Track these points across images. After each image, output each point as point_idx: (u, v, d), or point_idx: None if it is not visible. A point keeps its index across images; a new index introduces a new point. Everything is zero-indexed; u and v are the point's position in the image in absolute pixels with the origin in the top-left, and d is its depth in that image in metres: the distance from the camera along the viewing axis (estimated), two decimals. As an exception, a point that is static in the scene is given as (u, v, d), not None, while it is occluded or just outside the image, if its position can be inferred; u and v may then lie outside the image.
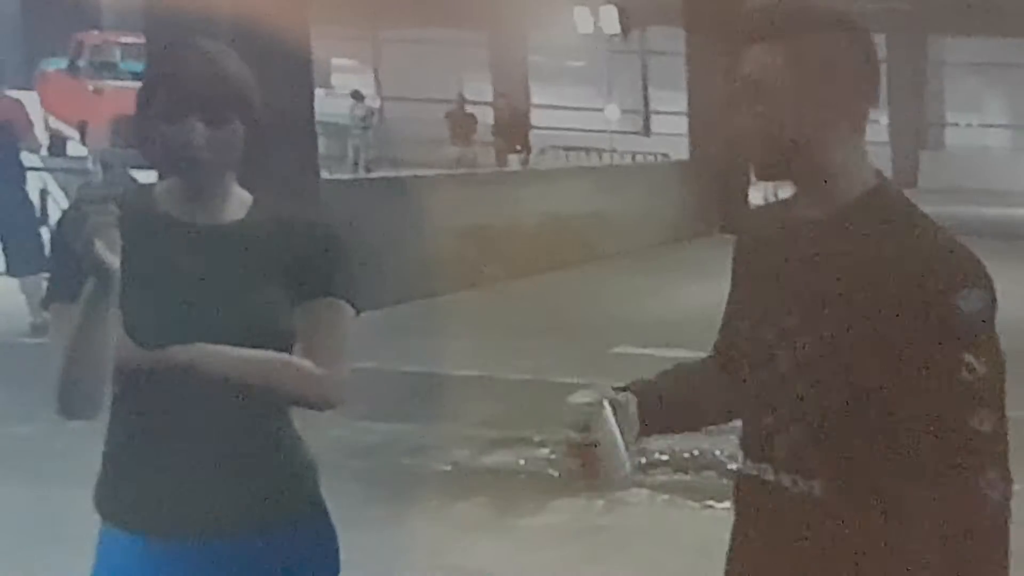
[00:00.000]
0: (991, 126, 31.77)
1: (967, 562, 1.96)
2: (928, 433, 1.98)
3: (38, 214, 10.85)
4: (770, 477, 2.10)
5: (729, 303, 2.25)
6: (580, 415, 2.15)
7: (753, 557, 2.17)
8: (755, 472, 2.13)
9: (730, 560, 2.24)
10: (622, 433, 2.18)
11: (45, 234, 9.19)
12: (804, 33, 2.02)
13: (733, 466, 7.14)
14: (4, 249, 9.65)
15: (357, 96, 24.18)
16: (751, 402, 2.13)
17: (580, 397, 2.17)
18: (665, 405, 2.28)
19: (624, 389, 2.24)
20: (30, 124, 9.85)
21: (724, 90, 2.28)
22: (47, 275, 2.45)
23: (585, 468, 2.18)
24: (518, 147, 23.85)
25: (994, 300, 1.99)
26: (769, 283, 2.12)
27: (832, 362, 2.01)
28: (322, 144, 12.52)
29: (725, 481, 6.47)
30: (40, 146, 10.42)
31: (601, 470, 2.17)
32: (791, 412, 2.06)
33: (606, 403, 2.16)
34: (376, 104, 26.96)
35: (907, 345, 1.96)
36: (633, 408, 2.22)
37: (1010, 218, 19.05)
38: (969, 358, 1.95)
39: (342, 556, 2.53)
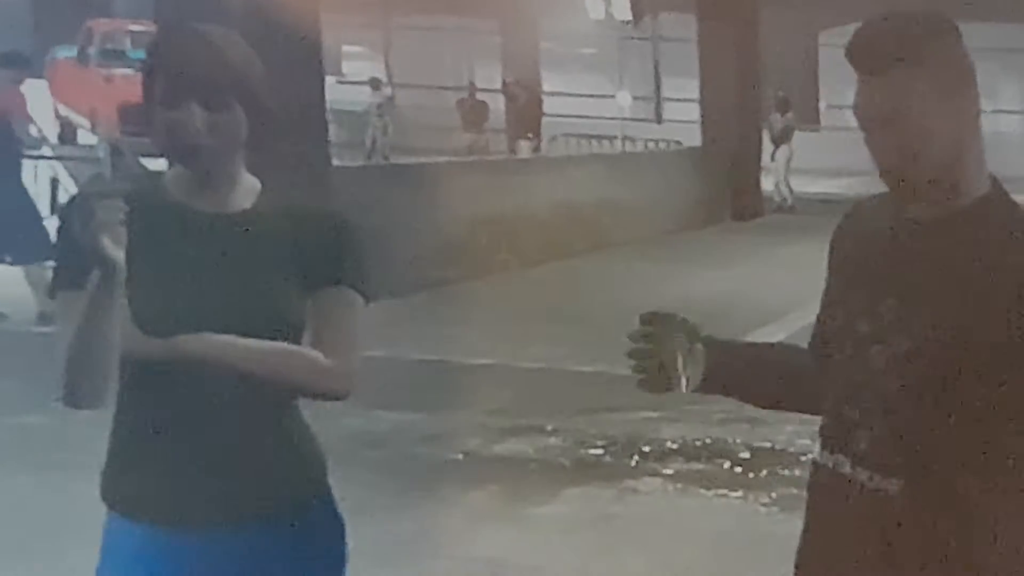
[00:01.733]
0: (1005, 112, 31.67)
1: None
2: (1014, 442, 1.97)
3: (48, 202, 10.86)
4: (846, 470, 2.09)
5: (825, 294, 2.23)
6: (651, 322, 2.20)
7: (823, 548, 2.16)
8: (831, 464, 2.12)
9: (801, 548, 2.22)
10: (686, 353, 2.20)
11: (54, 223, 9.17)
12: (938, 48, 2.00)
13: (745, 455, 7.12)
14: (3, 240, 9.64)
15: (374, 84, 24.16)
16: (837, 394, 2.12)
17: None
18: (737, 368, 2.27)
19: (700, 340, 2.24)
20: (28, 116, 9.85)
21: (861, 119, 2.21)
22: (52, 264, 2.43)
23: (640, 373, 2.20)
24: (529, 135, 23.81)
25: None
26: (870, 278, 2.10)
27: (927, 361, 2.00)
28: (335, 131, 12.52)
29: (737, 470, 6.46)
30: (38, 139, 10.41)
31: (656, 377, 2.19)
32: (878, 407, 2.05)
33: (678, 316, 2.21)
34: (388, 91, 26.96)
35: (1006, 351, 1.96)
36: (700, 354, 2.22)
37: (1024, 204, 20.13)
38: None
39: (353, 545, 2.52)
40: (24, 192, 9.75)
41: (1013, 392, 1.97)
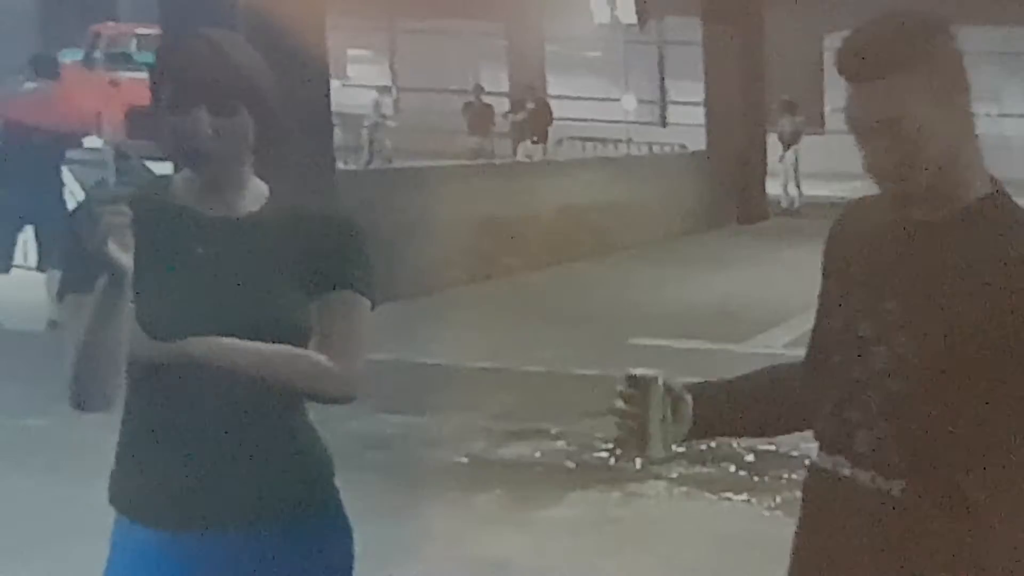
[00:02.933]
0: (1009, 116, 31.59)
1: None
2: (1017, 442, 1.97)
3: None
4: (846, 472, 2.08)
5: (821, 298, 2.22)
6: (633, 385, 2.21)
7: (820, 552, 2.15)
8: (829, 466, 2.12)
9: (795, 551, 2.22)
10: (668, 417, 2.22)
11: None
12: (929, 51, 1.99)
13: (750, 458, 7.10)
14: (39, 243, 9.64)
15: (381, 90, 24.10)
16: (837, 395, 2.11)
17: (640, 371, 2.22)
18: (725, 412, 2.28)
19: (687, 387, 2.26)
20: (62, 122, 9.81)
21: (855, 127, 2.20)
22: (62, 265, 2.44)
23: (621, 438, 2.23)
24: (535, 138, 23.79)
25: None
26: (870, 279, 2.09)
27: (930, 362, 2.00)
28: (340, 135, 12.51)
29: (742, 473, 6.45)
30: (72, 143, 10.38)
31: (636, 443, 2.22)
32: (881, 408, 2.04)
33: (660, 381, 2.21)
34: (394, 95, 26.94)
35: (1007, 351, 1.95)
36: (687, 406, 2.24)
37: (1030, 208, 20.03)
38: None
39: (358, 548, 2.52)
40: (57, 198, 9.61)
41: (1016, 391, 1.96)
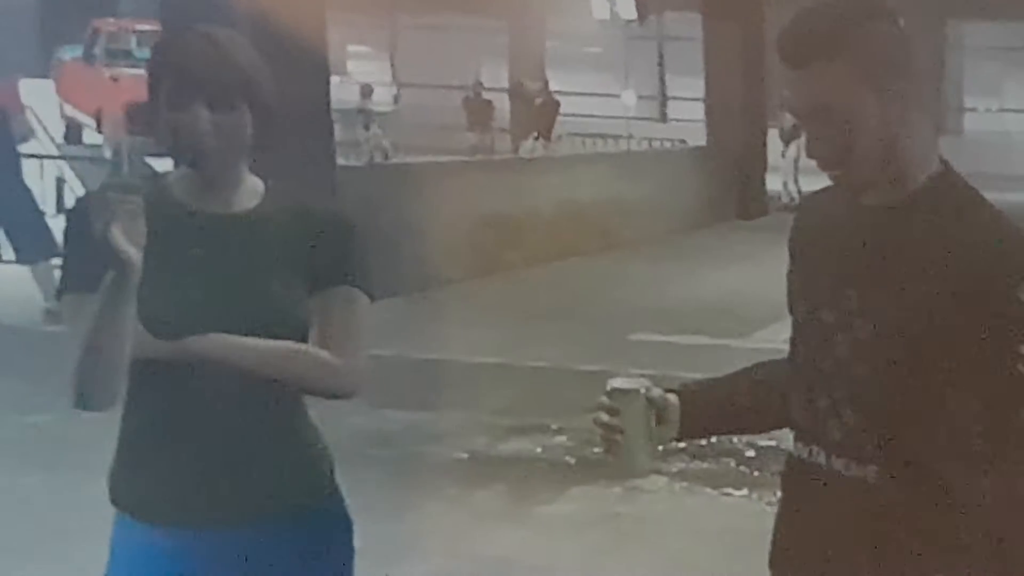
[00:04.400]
0: (1010, 111, 31.55)
1: (1019, 554, 1.96)
2: (982, 423, 1.97)
3: (54, 202, 10.82)
4: (821, 461, 2.09)
5: (788, 288, 2.23)
6: (614, 399, 2.20)
7: (799, 541, 2.15)
8: (805, 455, 2.12)
9: (775, 542, 2.22)
10: (651, 428, 2.22)
11: (60, 222, 9.13)
12: (860, 37, 1.98)
13: (751, 453, 7.10)
14: (9, 237, 9.60)
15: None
16: (805, 385, 2.12)
17: (621, 383, 2.21)
18: (712, 412, 2.29)
19: (672, 391, 2.26)
20: (22, 108, 9.74)
21: (793, 112, 2.20)
22: (59, 262, 2.42)
23: (605, 449, 2.23)
24: (536, 134, 23.77)
25: None
26: (830, 267, 2.10)
27: (890, 347, 2.00)
28: (339, 131, 12.49)
29: (743, 468, 6.46)
30: (31, 132, 10.30)
31: (619, 455, 2.22)
32: (847, 396, 2.05)
33: (642, 393, 2.20)
34: (393, 92, 26.88)
35: (965, 333, 1.95)
36: (674, 409, 2.24)
37: (1030, 203, 20.05)
38: None
39: (359, 544, 2.52)
40: (20, 189, 9.58)
41: (977, 373, 1.96)
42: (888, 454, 2.02)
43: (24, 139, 9.70)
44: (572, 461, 6.63)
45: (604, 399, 2.22)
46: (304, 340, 2.35)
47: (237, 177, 2.39)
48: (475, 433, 7.11)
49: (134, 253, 2.12)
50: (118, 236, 2.10)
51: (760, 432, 2.42)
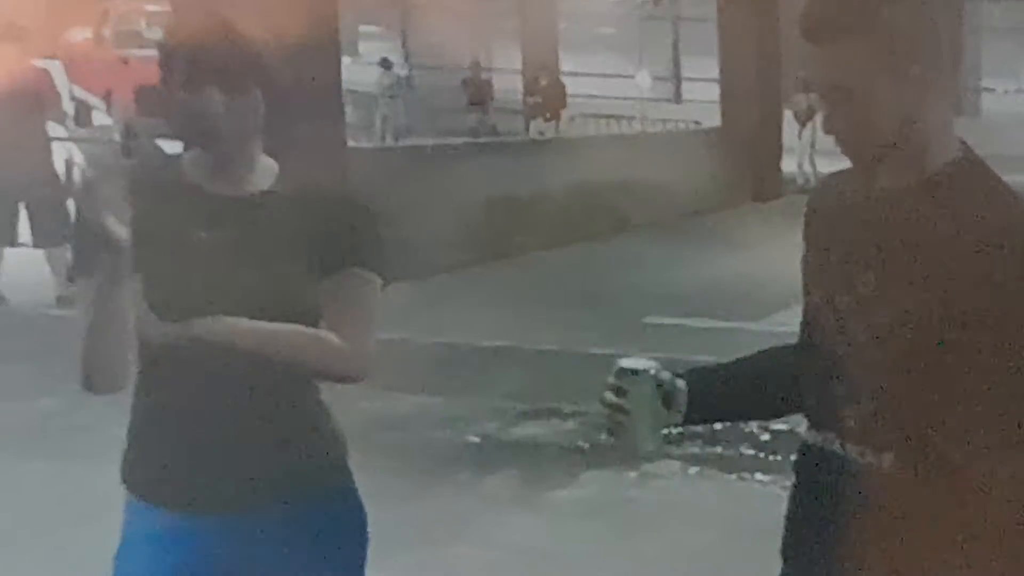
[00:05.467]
0: (1026, 92, 31.45)
1: None
2: (1000, 410, 1.95)
3: (63, 184, 10.82)
4: (836, 448, 2.07)
5: (803, 273, 2.20)
6: (622, 378, 2.18)
7: (812, 528, 2.14)
8: (820, 442, 2.11)
9: (787, 529, 2.21)
10: (658, 411, 2.20)
11: (71, 205, 9.14)
12: (885, 16, 1.96)
13: (766, 437, 7.05)
14: (31, 221, 9.64)
15: (386, 64, 24.10)
16: (822, 371, 2.10)
17: (630, 363, 2.20)
18: (719, 397, 2.27)
19: (680, 375, 2.24)
20: (57, 95, 9.79)
21: (812, 88, 2.18)
22: (70, 247, 2.44)
23: (610, 430, 2.23)
24: (547, 115, 23.76)
25: None
26: (846, 252, 2.08)
27: (907, 332, 1.98)
28: (351, 113, 12.49)
29: (757, 453, 6.43)
30: (66, 117, 10.35)
31: (623, 437, 2.21)
32: (864, 382, 2.03)
33: (651, 375, 2.18)
34: (404, 72, 26.89)
35: (983, 318, 1.93)
36: (681, 394, 2.22)
37: (1047, 185, 19.98)
38: None
39: (371, 529, 2.52)
40: (47, 174, 9.61)
41: (995, 358, 1.94)
42: (904, 441, 2.00)
43: (59, 122, 9.74)
44: (585, 446, 6.61)
45: (612, 379, 2.20)
46: (315, 323, 2.34)
47: (250, 158, 2.38)
48: (486, 418, 7.09)
49: (121, 232, 2.11)
50: (104, 218, 2.10)
51: (767, 419, 2.41)
